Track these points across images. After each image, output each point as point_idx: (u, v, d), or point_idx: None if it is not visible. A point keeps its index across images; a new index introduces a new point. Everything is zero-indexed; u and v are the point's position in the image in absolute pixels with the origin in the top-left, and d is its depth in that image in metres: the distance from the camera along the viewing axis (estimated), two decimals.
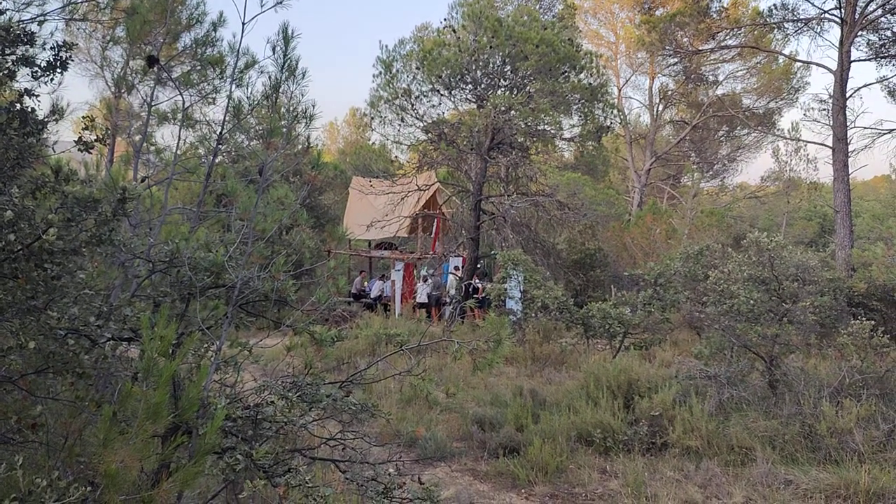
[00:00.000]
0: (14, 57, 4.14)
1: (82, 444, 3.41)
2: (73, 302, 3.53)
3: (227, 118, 4.94)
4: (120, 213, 3.37)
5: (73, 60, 4.30)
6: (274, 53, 4.78)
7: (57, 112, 5.54)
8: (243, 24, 4.87)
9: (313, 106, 5.23)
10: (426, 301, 21.14)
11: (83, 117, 4.05)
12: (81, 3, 7.27)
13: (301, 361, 4.79)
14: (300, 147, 6.04)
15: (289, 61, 4.84)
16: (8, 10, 5.43)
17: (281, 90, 5.06)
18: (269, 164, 4.51)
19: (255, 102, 5.36)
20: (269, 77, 5.04)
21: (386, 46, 21.02)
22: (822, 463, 8.10)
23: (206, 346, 4.16)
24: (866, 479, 7.21)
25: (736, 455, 8.46)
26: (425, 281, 21.74)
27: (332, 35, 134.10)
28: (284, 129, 4.92)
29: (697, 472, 7.96)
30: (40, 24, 6.15)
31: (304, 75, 4.98)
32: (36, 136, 3.96)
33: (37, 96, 4.12)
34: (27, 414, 3.60)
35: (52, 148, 4.66)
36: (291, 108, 5.21)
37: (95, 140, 4.08)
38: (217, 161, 7.42)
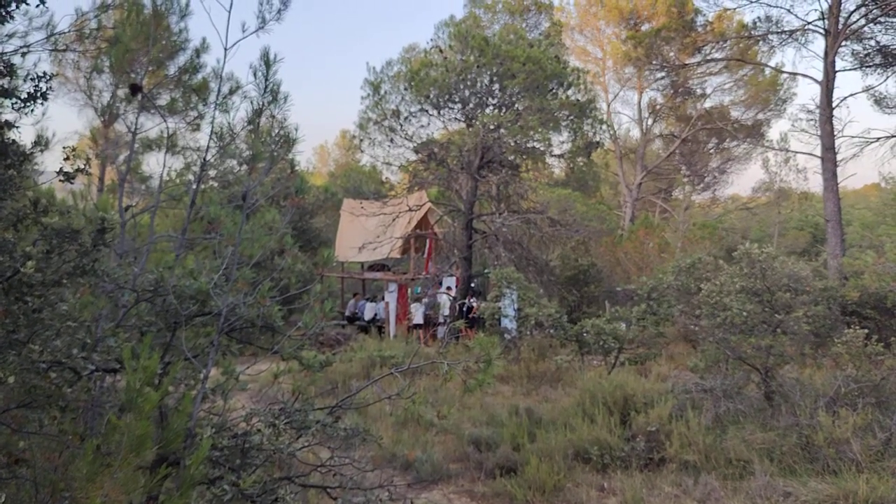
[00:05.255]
0: None
1: (67, 479, 3.35)
2: (55, 334, 3.49)
3: (210, 144, 4.92)
4: (100, 244, 3.34)
5: (53, 91, 4.27)
6: (255, 78, 4.77)
7: (41, 143, 5.51)
8: (226, 49, 4.85)
9: (296, 129, 5.21)
10: (422, 322, 20.98)
11: (64, 148, 4.03)
12: (67, 33, 7.27)
13: (292, 387, 4.74)
14: (288, 171, 6.02)
15: (271, 85, 4.84)
16: None
17: (264, 115, 5.04)
18: (252, 189, 4.48)
19: (240, 128, 5.33)
20: (252, 102, 5.03)
21: (374, 68, 21.13)
22: (820, 473, 8.05)
23: (192, 374, 4.11)
24: (865, 488, 7.17)
25: (734, 468, 8.41)
26: (419, 301, 21.62)
27: (322, 59, 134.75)
28: (267, 155, 4.89)
29: (696, 487, 7.91)
30: (23, 55, 6.14)
31: (286, 99, 4.97)
32: (16, 168, 3.94)
33: (17, 127, 4.10)
34: (11, 449, 3.55)
35: (34, 179, 4.63)
36: (274, 133, 5.19)
37: (77, 170, 4.05)
38: (205, 187, 7.40)
